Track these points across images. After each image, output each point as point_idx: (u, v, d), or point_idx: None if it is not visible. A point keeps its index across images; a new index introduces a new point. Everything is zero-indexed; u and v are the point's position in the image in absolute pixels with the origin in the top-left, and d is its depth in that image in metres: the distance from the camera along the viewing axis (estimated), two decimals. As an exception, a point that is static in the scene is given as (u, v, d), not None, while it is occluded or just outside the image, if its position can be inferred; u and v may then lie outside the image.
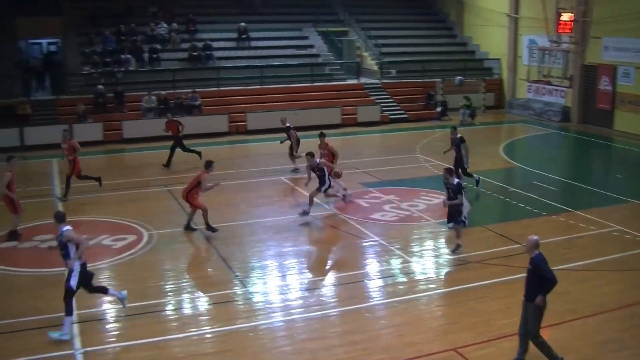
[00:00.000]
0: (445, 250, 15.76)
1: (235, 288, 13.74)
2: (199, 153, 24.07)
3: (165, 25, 34.74)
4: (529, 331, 10.20)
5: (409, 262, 15.15)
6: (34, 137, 26.89)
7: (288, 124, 23.60)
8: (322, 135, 20.62)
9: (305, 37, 37.96)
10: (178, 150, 24.04)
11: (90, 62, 31.69)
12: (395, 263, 15.08)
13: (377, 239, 16.55)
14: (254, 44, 36.09)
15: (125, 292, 12.29)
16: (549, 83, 33.74)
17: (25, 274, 14.41)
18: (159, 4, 36.21)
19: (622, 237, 16.52)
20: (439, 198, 18.25)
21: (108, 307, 12.70)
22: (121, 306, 12.25)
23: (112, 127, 29.27)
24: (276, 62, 34.68)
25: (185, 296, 13.58)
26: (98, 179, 20.64)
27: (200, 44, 34.12)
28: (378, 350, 11.09)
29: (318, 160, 18.41)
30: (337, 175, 19.21)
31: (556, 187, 21.45)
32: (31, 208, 17.98)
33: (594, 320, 12.09)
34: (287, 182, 22.14)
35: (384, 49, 38.04)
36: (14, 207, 16.45)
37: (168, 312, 12.73)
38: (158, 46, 33.54)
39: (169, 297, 13.32)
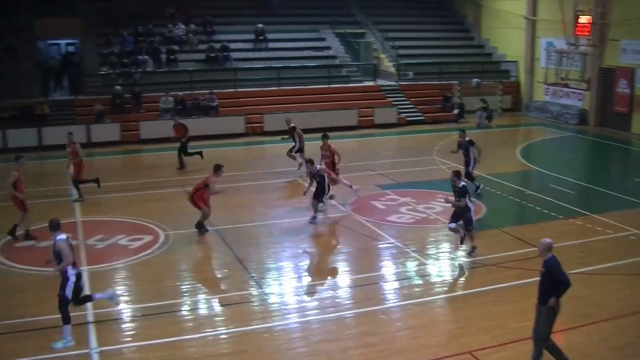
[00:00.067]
0: (461, 253, 15.70)
1: (251, 289, 13.78)
2: (199, 153, 24.18)
3: (182, 26, 34.90)
4: (540, 333, 10.16)
5: (425, 264, 15.14)
6: (52, 137, 26.96)
7: (293, 124, 23.65)
8: (324, 137, 20.66)
9: (323, 39, 37.95)
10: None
11: (108, 63, 31.96)
12: (411, 265, 15.08)
13: (393, 241, 16.55)
14: (271, 45, 36.17)
15: (111, 290, 12.29)
16: (566, 86, 33.60)
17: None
18: (176, 5, 36.34)
19: (639, 242, 16.40)
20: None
21: (124, 307, 12.77)
22: (120, 306, 12.30)
23: (129, 128, 29.48)
24: (293, 63, 34.70)
25: (201, 297, 13.66)
26: (96, 180, 20.52)
27: (217, 45, 34.24)
28: (393, 352, 11.09)
29: (318, 166, 18.50)
30: (334, 182, 19.17)
31: (573, 190, 21.32)
32: (48, 208, 18.05)
33: (609, 324, 11.97)
34: (303, 183, 22.13)
35: (401, 51, 37.92)
36: (23, 206, 16.45)
37: (184, 313, 12.79)
38: (175, 47, 33.72)
39: (185, 298, 13.39)
